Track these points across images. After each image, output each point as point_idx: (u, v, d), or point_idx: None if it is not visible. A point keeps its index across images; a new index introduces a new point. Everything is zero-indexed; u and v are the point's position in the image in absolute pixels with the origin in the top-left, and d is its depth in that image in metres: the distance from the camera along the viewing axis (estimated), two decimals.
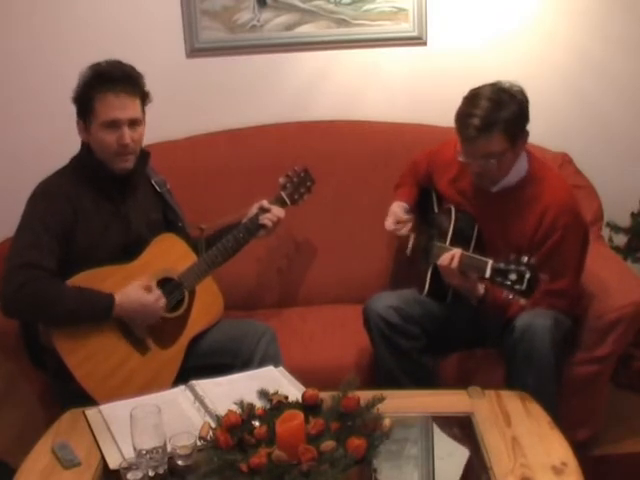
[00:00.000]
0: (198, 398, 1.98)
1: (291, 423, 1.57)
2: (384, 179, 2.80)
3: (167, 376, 2.22)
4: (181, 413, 1.93)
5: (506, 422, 1.88)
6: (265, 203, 2.48)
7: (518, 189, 2.32)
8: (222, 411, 1.71)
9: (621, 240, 3.04)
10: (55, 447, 1.82)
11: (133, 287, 2.17)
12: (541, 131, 2.54)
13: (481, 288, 2.28)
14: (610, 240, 2.99)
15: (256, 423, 1.66)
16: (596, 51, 3.00)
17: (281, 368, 2.14)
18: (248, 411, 1.68)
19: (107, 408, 1.96)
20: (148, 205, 2.38)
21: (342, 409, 1.66)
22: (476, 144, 2.20)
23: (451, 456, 1.92)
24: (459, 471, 1.87)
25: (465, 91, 2.26)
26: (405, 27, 2.99)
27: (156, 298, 2.20)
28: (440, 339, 2.42)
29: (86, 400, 2.05)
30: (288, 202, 2.55)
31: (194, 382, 2.05)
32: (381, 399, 1.68)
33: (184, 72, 3.03)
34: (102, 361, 2.14)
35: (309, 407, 1.69)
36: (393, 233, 2.56)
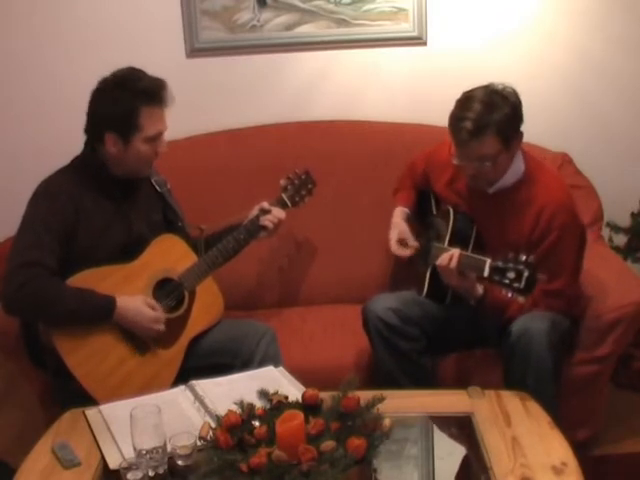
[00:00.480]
0: (198, 398, 1.98)
1: (291, 423, 1.57)
2: (384, 179, 2.80)
3: (167, 376, 2.22)
4: (181, 413, 1.93)
5: (506, 422, 1.88)
6: (265, 205, 2.48)
7: (515, 190, 2.32)
8: (222, 411, 1.71)
9: (621, 240, 3.04)
10: (55, 447, 1.82)
11: (137, 298, 2.18)
12: (541, 131, 2.54)
13: (480, 288, 2.28)
14: (610, 240, 2.99)
15: (256, 423, 1.66)
16: (596, 51, 3.00)
17: (281, 368, 2.14)
18: (248, 411, 1.68)
19: (107, 408, 1.96)
20: (149, 205, 2.38)
21: (342, 409, 1.66)
22: (469, 147, 2.20)
23: (451, 456, 1.92)
24: (459, 471, 1.87)
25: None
26: (405, 27, 2.99)
27: (156, 317, 2.20)
28: (439, 340, 2.42)
29: (86, 400, 2.05)
30: (289, 204, 2.56)
31: (194, 382, 2.05)
32: (381, 399, 1.68)
33: (184, 72, 3.03)
34: (102, 361, 2.14)
35: (309, 407, 1.69)
36: (393, 251, 2.54)
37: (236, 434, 1.62)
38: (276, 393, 1.74)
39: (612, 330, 2.34)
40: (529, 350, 2.16)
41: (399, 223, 2.56)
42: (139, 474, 1.65)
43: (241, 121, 3.04)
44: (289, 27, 3.01)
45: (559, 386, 2.25)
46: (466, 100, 2.21)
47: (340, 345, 2.55)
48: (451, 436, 2.01)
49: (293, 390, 1.94)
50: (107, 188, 2.25)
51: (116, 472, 1.69)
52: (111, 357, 2.15)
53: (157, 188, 2.41)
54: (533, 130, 2.27)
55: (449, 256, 2.24)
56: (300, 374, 2.07)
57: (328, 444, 1.55)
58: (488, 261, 2.11)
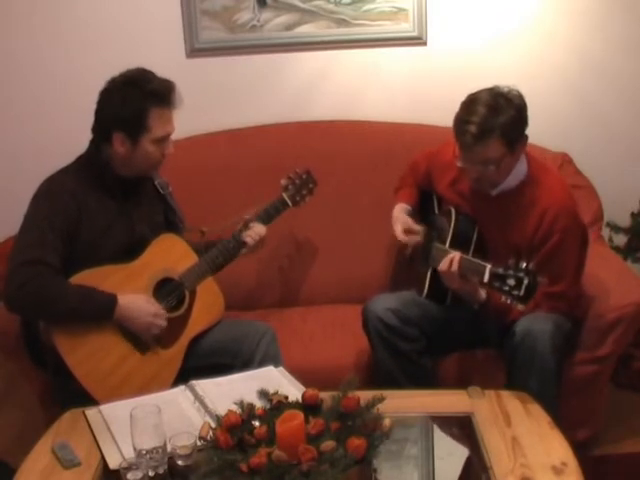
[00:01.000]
0: (198, 398, 1.98)
1: (291, 423, 1.57)
2: (384, 179, 2.80)
3: (167, 376, 2.22)
4: (181, 413, 1.93)
5: (506, 422, 1.88)
6: (247, 220, 2.45)
7: (517, 192, 2.31)
8: (222, 411, 1.71)
9: (621, 240, 3.03)
10: (55, 447, 1.82)
11: (138, 296, 2.18)
12: (541, 131, 2.54)
13: (483, 292, 2.27)
14: (610, 240, 2.99)
15: (256, 423, 1.66)
16: (596, 51, 3.00)
17: (281, 368, 2.14)
18: (248, 411, 1.68)
19: (107, 408, 1.96)
20: (151, 207, 2.39)
21: (342, 409, 1.66)
22: (473, 151, 2.19)
23: (451, 456, 1.92)
24: (459, 471, 1.87)
25: (465, 91, 2.25)
26: (405, 27, 2.99)
27: (157, 312, 2.20)
28: (439, 340, 2.41)
29: (86, 400, 2.05)
30: (290, 204, 2.56)
31: (194, 382, 2.05)
32: (381, 399, 1.68)
33: (184, 72, 3.01)
34: (102, 360, 2.14)
35: (309, 407, 1.69)
36: (403, 241, 2.55)
37: (236, 434, 1.62)
38: (276, 393, 1.74)
39: (612, 330, 2.34)
40: (533, 351, 2.16)
41: (400, 216, 2.56)
42: (139, 474, 1.65)
43: (241, 121, 3.04)
44: (289, 27, 3.01)
45: (560, 387, 2.25)
46: (471, 103, 2.20)
47: (340, 345, 2.55)
48: (451, 436, 2.01)
49: (293, 390, 1.94)
50: (111, 188, 2.25)
51: (116, 472, 1.69)
52: (111, 357, 2.15)
53: (160, 190, 2.42)
54: (533, 130, 2.27)
55: (450, 259, 2.23)
56: (300, 374, 2.07)
57: (328, 444, 1.55)
58: (488, 267, 2.10)
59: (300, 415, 1.60)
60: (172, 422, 1.79)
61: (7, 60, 3.05)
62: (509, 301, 2.04)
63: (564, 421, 1.94)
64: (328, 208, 2.88)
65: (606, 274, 2.48)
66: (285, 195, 2.55)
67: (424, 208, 2.61)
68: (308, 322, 2.72)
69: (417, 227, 2.53)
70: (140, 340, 2.21)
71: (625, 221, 3.03)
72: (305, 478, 1.49)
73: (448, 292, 2.38)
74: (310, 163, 2.68)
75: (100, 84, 2.21)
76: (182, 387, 2.06)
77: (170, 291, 2.29)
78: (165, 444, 1.69)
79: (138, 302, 2.17)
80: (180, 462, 1.70)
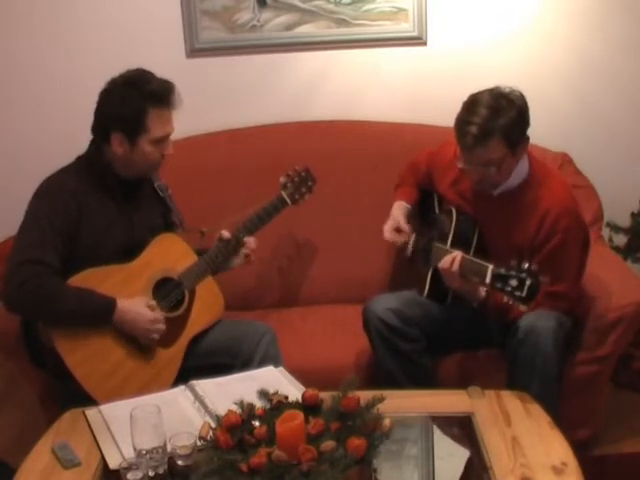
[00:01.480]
0: (198, 398, 1.98)
1: (291, 423, 1.57)
2: (384, 179, 2.80)
3: (167, 376, 2.22)
4: (181, 413, 1.93)
5: (506, 422, 1.88)
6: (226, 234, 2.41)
7: (519, 192, 2.31)
8: (222, 411, 1.71)
9: (621, 240, 3.03)
10: (55, 447, 1.82)
11: (137, 300, 2.18)
12: (541, 131, 2.53)
13: (482, 291, 2.27)
14: (610, 240, 2.99)
15: (256, 423, 1.66)
16: (596, 51, 3.00)
17: (281, 368, 2.14)
18: (248, 411, 1.68)
19: (107, 408, 1.96)
20: (151, 208, 2.39)
21: (342, 409, 1.66)
22: (475, 152, 2.18)
23: (451, 456, 1.92)
24: (459, 471, 1.87)
25: (465, 91, 2.25)
26: (405, 27, 2.99)
27: (155, 318, 2.19)
28: (440, 340, 2.41)
29: (86, 400, 2.05)
30: (289, 202, 2.55)
31: (194, 382, 2.05)
32: (381, 399, 1.68)
33: (184, 72, 3.01)
34: (102, 361, 2.14)
35: (309, 407, 1.69)
36: (386, 239, 2.55)
37: (236, 434, 1.61)
38: (276, 393, 1.74)
39: (612, 330, 2.34)
40: (535, 348, 2.15)
41: (395, 214, 2.56)
42: (139, 474, 1.65)
43: (241, 121, 3.04)
44: (289, 27, 3.01)
45: (560, 386, 2.25)
46: (472, 104, 2.19)
47: (340, 345, 2.55)
48: (451, 436, 2.01)
49: (293, 390, 1.94)
50: (111, 188, 2.25)
51: (116, 472, 1.69)
52: (111, 357, 2.15)
53: (159, 193, 2.42)
54: (533, 130, 2.26)
55: (451, 259, 2.23)
56: (300, 374, 2.07)
57: (328, 444, 1.55)
58: (490, 267, 2.09)
59: (300, 415, 1.60)
60: (172, 422, 1.79)
61: (7, 60, 3.05)
62: (511, 302, 2.04)
63: (564, 421, 1.95)
64: (328, 208, 2.88)
65: (606, 274, 2.48)
66: (284, 193, 2.55)
67: (424, 207, 2.61)
68: (308, 322, 2.72)
69: (407, 227, 2.53)
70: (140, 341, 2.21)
71: (625, 221, 3.03)
72: (305, 478, 1.49)
73: (449, 292, 2.38)
74: (310, 163, 2.68)
75: (100, 84, 2.22)
76: (182, 387, 2.06)
77: (169, 291, 2.29)
78: (165, 444, 1.69)
79: (137, 307, 2.17)
80: (180, 462, 1.70)
